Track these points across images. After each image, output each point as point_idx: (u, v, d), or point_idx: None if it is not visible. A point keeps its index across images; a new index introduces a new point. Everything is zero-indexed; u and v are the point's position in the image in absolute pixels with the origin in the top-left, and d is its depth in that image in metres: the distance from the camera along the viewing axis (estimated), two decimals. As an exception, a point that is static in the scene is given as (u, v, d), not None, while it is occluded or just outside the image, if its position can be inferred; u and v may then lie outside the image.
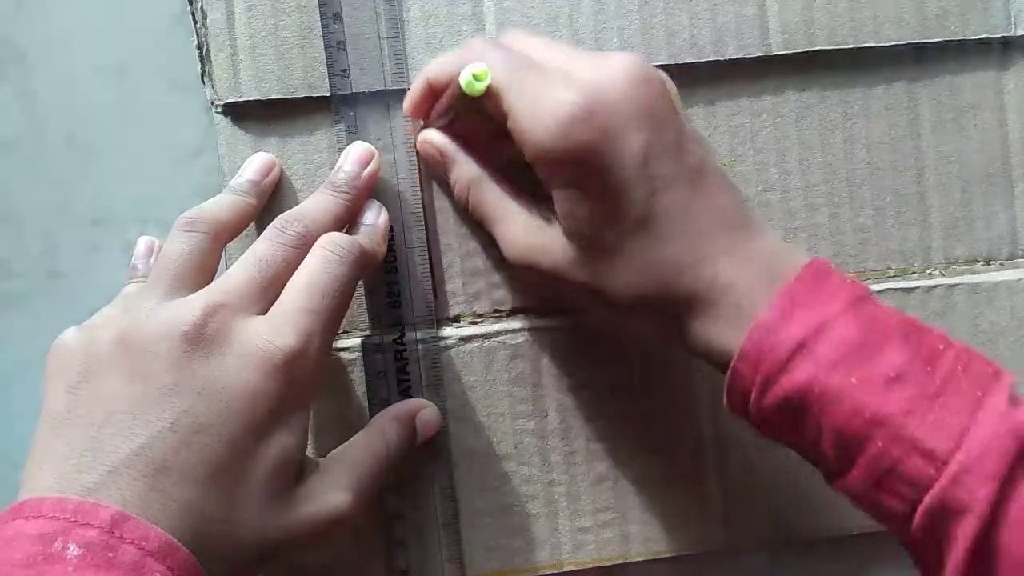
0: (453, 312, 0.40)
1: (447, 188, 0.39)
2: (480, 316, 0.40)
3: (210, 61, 0.39)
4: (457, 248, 0.40)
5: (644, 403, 0.40)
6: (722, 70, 0.40)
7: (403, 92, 0.38)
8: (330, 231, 0.34)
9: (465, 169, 0.37)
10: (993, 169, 0.42)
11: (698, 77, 0.40)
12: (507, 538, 0.40)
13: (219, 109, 0.39)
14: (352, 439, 0.35)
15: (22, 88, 0.40)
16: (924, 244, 0.42)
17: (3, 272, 0.40)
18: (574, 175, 0.32)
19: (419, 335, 0.39)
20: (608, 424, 0.40)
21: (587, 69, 0.32)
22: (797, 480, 0.40)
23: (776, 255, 0.32)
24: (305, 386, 0.31)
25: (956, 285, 0.41)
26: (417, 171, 0.39)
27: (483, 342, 0.39)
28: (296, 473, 0.32)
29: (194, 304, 0.31)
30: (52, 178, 0.40)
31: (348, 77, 0.38)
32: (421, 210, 0.39)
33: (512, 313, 0.40)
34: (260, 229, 0.35)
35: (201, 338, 0.30)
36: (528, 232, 0.35)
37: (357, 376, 0.39)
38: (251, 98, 0.39)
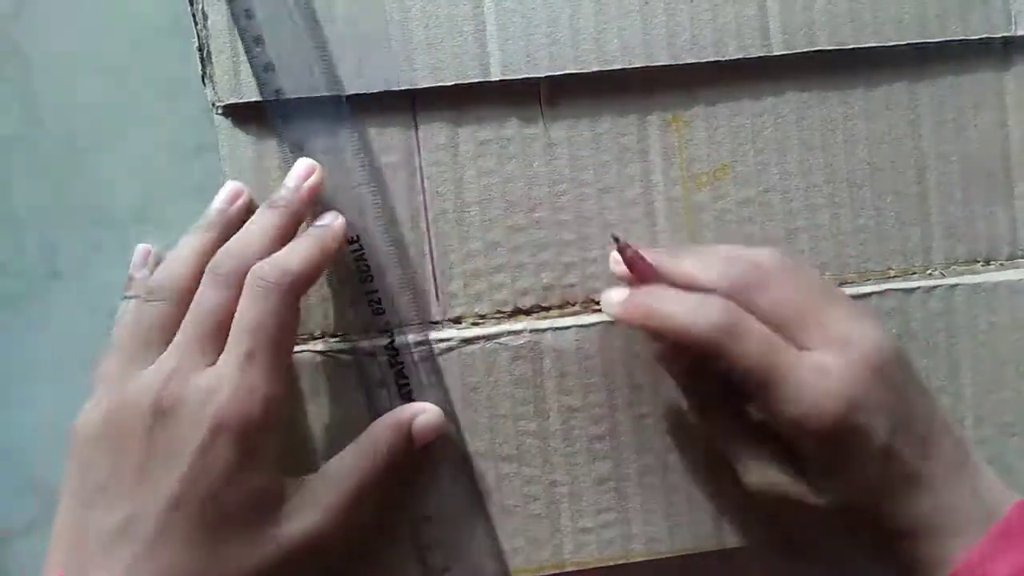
0: (455, 313, 0.40)
1: (445, 192, 0.39)
2: (482, 317, 0.40)
3: (211, 62, 0.39)
4: (458, 249, 0.40)
5: (646, 404, 0.40)
6: (723, 71, 0.40)
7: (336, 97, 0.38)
8: (270, 251, 0.35)
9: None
10: (993, 168, 0.42)
11: (699, 78, 0.40)
12: (509, 539, 0.40)
13: (220, 111, 0.39)
14: (342, 452, 0.36)
15: (22, 88, 0.40)
16: (925, 244, 0.42)
17: (3, 272, 0.40)
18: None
19: (410, 339, 0.39)
20: (610, 426, 0.40)
21: (835, 355, 0.33)
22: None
23: (990, 492, 0.34)
24: (260, 427, 0.33)
25: (956, 285, 0.41)
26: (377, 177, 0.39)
27: (485, 343, 0.40)
28: (273, 501, 0.33)
29: (152, 376, 0.33)
30: (52, 178, 0.40)
31: (282, 95, 0.38)
32: (383, 215, 0.39)
33: (513, 314, 0.40)
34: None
35: (160, 409, 0.32)
36: (774, 473, 0.36)
37: (355, 382, 0.39)
38: (252, 99, 0.38)
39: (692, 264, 0.35)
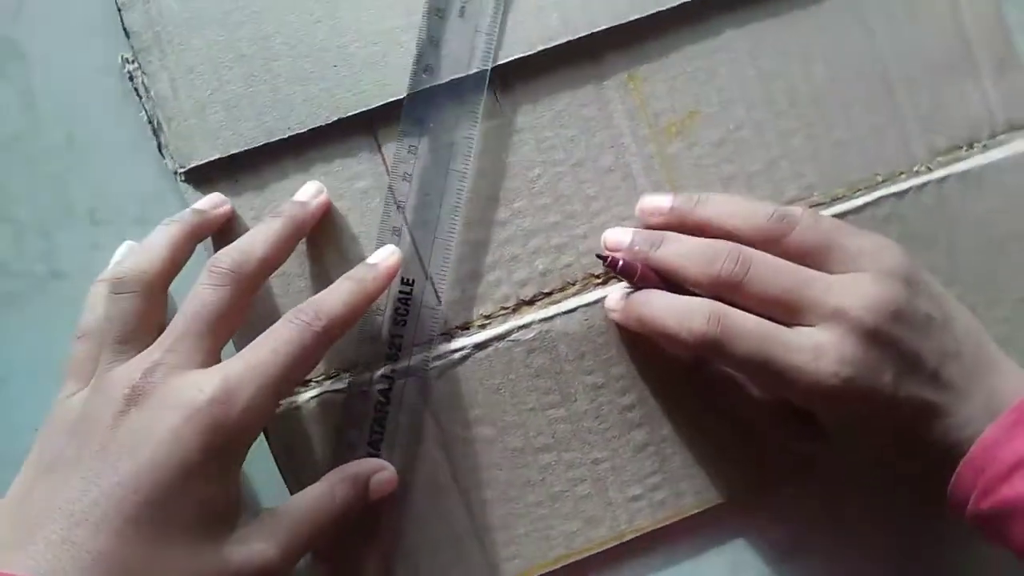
0: (460, 320, 0.40)
1: (420, 204, 0.39)
2: (488, 318, 0.40)
3: (163, 131, 0.38)
4: (448, 256, 0.40)
5: (664, 365, 0.40)
6: (668, 20, 0.40)
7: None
8: (272, 256, 0.35)
9: None
10: (954, 52, 0.42)
11: (645, 32, 0.40)
12: (564, 523, 0.40)
13: (183, 177, 0.39)
14: (302, 492, 0.36)
15: (22, 88, 0.40)
16: (904, 143, 0.41)
17: (3, 272, 0.40)
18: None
19: (412, 362, 0.39)
20: (637, 394, 0.40)
21: (828, 333, 0.35)
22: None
23: (1007, 385, 0.36)
24: (231, 437, 0.32)
25: (945, 177, 0.41)
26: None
27: (497, 344, 0.40)
28: (224, 521, 0.32)
29: (134, 365, 0.33)
30: (52, 178, 0.40)
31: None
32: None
33: (518, 308, 0.40)
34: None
35: (134, 396, 0.32)
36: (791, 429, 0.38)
37: (332, 422, 0.39)
38: (211, 158, 0.38)
39: (677, 257, 0.37)
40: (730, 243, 0.36)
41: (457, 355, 0.39)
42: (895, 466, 0.38)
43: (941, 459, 0.35)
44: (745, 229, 0.36)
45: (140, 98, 0.38)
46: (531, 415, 0.40)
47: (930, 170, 0.41)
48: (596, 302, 0.40)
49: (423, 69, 0.39)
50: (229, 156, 0.38)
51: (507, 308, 0.40)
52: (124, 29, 0.38)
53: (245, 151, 0.39)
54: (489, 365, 0.40)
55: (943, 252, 0.41)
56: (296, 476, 0.39)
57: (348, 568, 0.39)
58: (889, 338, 0.34)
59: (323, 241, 0.39)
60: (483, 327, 0.40)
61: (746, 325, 0.35)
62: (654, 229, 0.39)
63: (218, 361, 0.34)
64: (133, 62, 0.38)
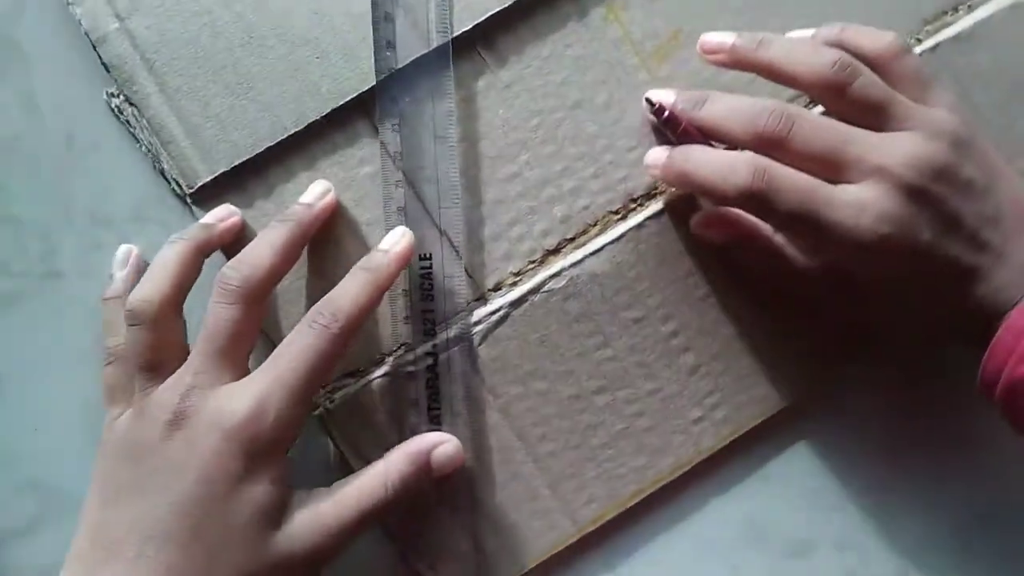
0: (491, 283, 0.40)
1: (429, 177, 0.39)
2: (518, 275, 0.40)
3: (166, 156, 0.38)
4: (466, 222, 0.40)
5: (701, 287, 0.40)
6: None
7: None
8: (279, 266, 0.36)
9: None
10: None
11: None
12: (632, 459, 0.41)
13: (192, 199, 0.39)
14: (355, 474, 0.36)
15: (22, 88, 0.40)
16: (889, 18, 0.41)
17: (3, 272, 0.40)
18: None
19: (450, 333, 0.39)
20: (679, 319, 0.40)
21: (869, 190, 0.35)
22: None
23: None
24: (269, 443, 0.34)
25: (936, 45, 0.41)
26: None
27: (533, 298, 0.40)
28: (275, 516, 0.34)
29: (168, 395, 0.35)
30: (52, 178, 0.40)
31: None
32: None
33: (544, 259, 0.40)
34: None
35: (177, 423, 0.34)
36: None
37: (388, 408, 0.39)
38: (215, 174, 0.38)
39: (721, 115, 0.37)
40: (774, 101, 0.36)
41: (495, 317, 0.40)
42: (936, 339, 0.38)
43: (980, 328, 0.36)
44: (807, 75, 0.36)
45: (133, 130, 0.38)
46: (579, 360, 0.40)
47: (920, 40, 0.41)
48: (620, 238, 0.40)
49: (384, 46, 0.38)
50: (233, 169, 0.38)
51: (535, 261, 0.40)
52: (103, 64, 0.38)
53: (248, 160, 0.39)
54: (528, 320, 0.40)
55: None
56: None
57: (436, 539, 0.40)
58: (929, 197, 0.35)
59: (335, 236, 0.40)
60: (515, 284, 0.40)
61: (791, 179, 0.35)
62: (716, 65, 0.39)
63: (246, 368, 0.36)
64: (119, 95, 0.38)
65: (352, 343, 0.36)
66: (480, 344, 0.40)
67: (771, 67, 0.37)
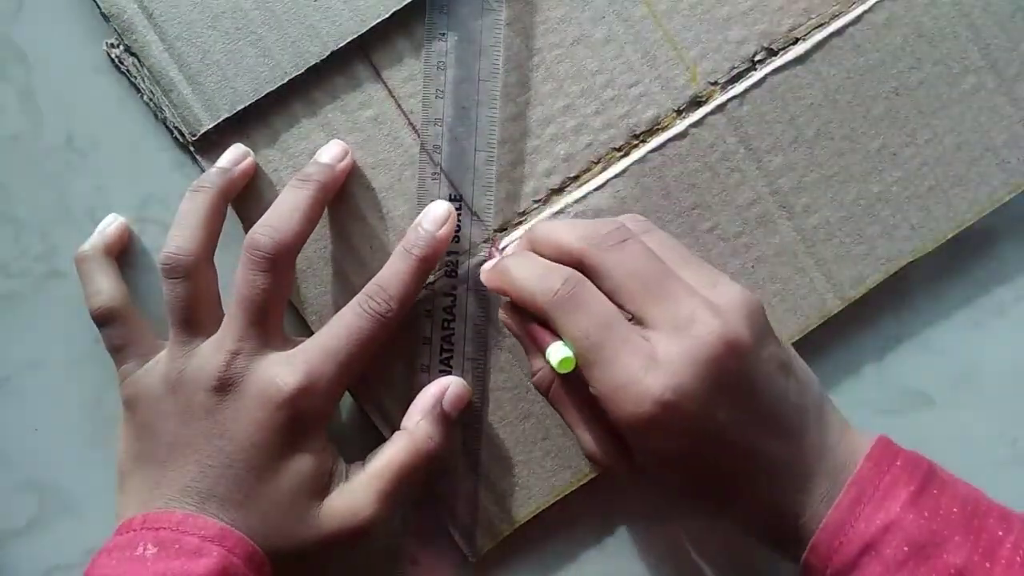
0: (497, 223, 0.40)
1: (432, 120, 0.39)
2: (522, 215, 0.40)
3: (168, 103, 0.39)
4: (470, 166, 0.40)
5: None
6: None
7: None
8: (302, 230, 0.36)
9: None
10: None
11: None
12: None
13: (196, 148, 0.39)
14: (387, 443, 0.37)
15: (22, 88, 0.40)
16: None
17: (3, 272, 0.41)
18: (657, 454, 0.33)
19: (472, 273, 0.39)
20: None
21: (673, 344, 0.32)
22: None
23: (843, 442, 0.34)
24: (315, 416, 0.35)
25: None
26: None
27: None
28: (320, 487, 0.35)
29: (215, 358, 0.35)
30: (52, 178, 0.40)
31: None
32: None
33: (548, 199, 0.40)
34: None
35: (224, 386, 0.35)
36: (605, 448, 0.35)
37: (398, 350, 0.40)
38: (218, 121, 0.39)
39: (562, 227, 0.36)
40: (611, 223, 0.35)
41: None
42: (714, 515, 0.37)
43: (773, 523, 0.34)
44: (538, 295, 0.34)
45: (134, 80, 0.38)
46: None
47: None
48: (623, 172, 0.40)
49: None
50: (236, 115, 0.39)
51: (539, 200, 0.40)
52: (102, 14, 0.38)
53: (251, 106, 0.39)
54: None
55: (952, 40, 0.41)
56: (378, 407, 0.40)
57: (446, 477, 0.40)
58: (732, 369, 0.32)
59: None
60: (520, 224, 0.40)
61: (599, 302, 0.33)
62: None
63: (282, 334, 0.37)
64: (118, 45, 0.39)
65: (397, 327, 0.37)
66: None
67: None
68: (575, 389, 0.35)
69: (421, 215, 0.37)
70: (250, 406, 0.34)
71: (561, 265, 0.34)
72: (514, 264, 0.36)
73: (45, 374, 0.40)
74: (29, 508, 0.40)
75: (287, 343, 0.37)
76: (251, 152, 0.39)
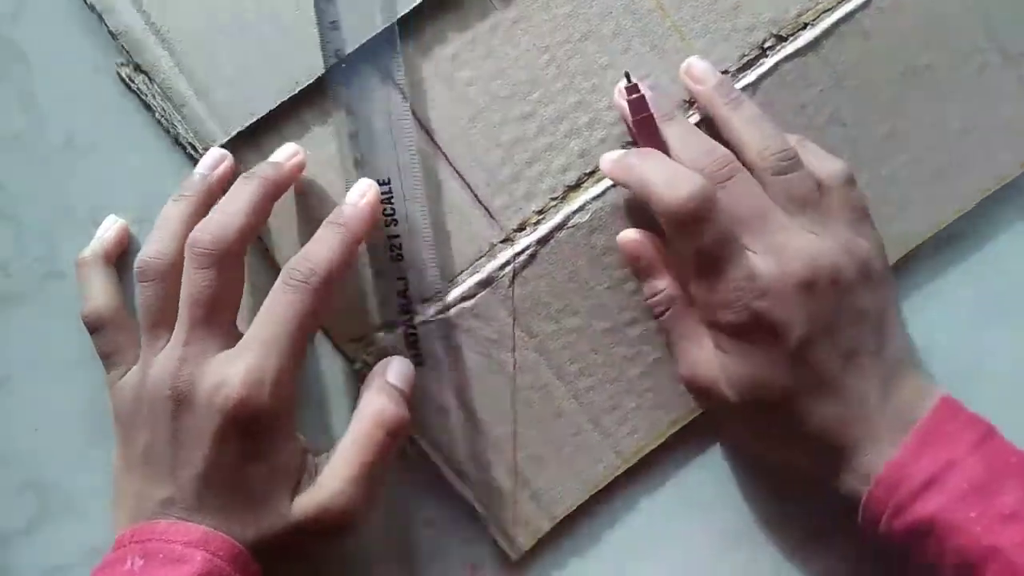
0: (515, 223, 0.40)
1: (441, 118, 0.39)
2: (541, 212, 0.40)
3: (181, 119, 0.38)
4: (483, 164, 0.40)
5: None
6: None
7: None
8: (246, 225, 0.35)
9: (668, 284, 0.39)
10: None
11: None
12: (670, 387, 0.40)
13: (210, 163, 0.38)
14: (346, 433, 0.36)
15: (22, 88, 0.40)
16: None
17: (3, 272, 0.40)
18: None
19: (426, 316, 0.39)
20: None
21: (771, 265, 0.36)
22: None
23: (913, 397, 0.36)
24: (272, 411, 0.34)
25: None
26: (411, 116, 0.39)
27: (558, 234, 0.40)
28: (292, 480, 0.35)
29: (165, 362, 0.35)
30: (52, 178, 0.40)
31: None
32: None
33: (566, 195, 0.40)
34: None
35: (178, 396, 0.34)
36: (706, 368, 0.38)
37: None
38: (232, 134, 0.38)
39: (676, 136, 0.38)
40: (725, 151, 0.37)
41: (523, 257, 0.40)
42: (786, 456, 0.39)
43: (836, 456, 0.36)
44: (755, 148, 0.37)
45: (145, 98, 0.38)
46: (609, 293, 0.40)
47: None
48: (640, 165, 0.40)
49: (330, 26, 0.38)
50: (248, 128, 0.38)
51: (557, 197, 0.40)
52: (110, 32, 0.37)
53: (262, 118, 0.38)
54: (556, 256, 0.40)
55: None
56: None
57: (481, 479, 0.40)
58: (819, 297, 0.36)
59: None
60: (539, 223, 0.40)
61: (723, 216, 0.36)
62: (691, 92, 0.40)
63: (233, 332, 0.36)
64: (128, 64, 0.38)
65: (330, 298, 0.35)
66: (510, 285, 0.40)
67: (729, 125, 0.38)
68: (691, 312, 0.39)
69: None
70: (204, 415, 0.34)
71: (694, 172, 0.36)
72: (645, 160, 0.37)
73: (45, 374, 0.40)
74: (29, 508, 0.40)
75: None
76: (302, 150, 0.38)
